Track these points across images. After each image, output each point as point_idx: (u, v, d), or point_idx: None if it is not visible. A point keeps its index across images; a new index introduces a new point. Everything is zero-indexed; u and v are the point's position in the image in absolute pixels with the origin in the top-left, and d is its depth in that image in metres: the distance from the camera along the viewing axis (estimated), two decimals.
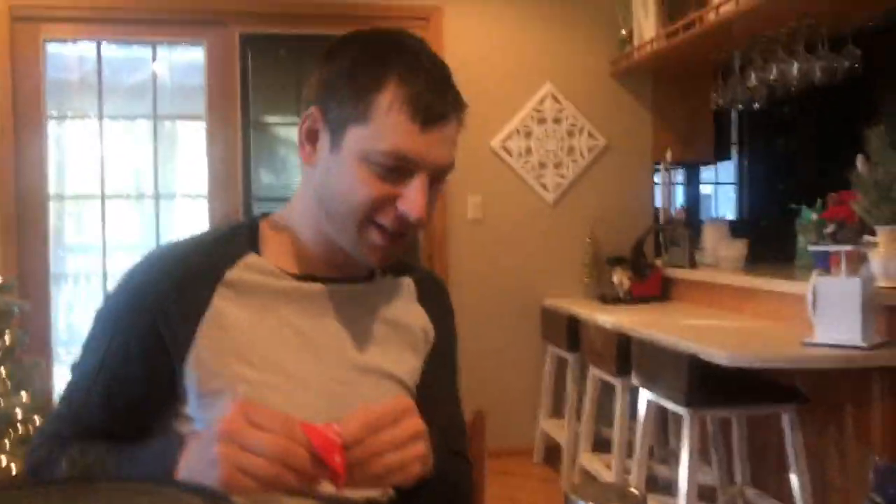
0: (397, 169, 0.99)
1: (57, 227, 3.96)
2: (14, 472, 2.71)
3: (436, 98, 0.99)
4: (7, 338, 2.92)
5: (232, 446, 0.79)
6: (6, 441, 2.78)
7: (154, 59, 4.04)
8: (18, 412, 2.81)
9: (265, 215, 1.14)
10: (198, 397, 1.00)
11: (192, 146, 4.10)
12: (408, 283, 1.18)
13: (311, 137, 1.05)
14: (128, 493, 0.52)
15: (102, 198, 3.96)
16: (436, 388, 1.19)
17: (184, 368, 1.00)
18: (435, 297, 1.21)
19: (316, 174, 1.05)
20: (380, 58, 1.01)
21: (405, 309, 1.16)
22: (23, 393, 2.88)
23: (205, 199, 3.98)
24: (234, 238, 1.08)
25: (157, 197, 4.02)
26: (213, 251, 1.06)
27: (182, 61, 4.17)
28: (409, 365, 1.14)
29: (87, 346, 1.04)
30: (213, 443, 0.79)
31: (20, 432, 2.81)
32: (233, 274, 1.03)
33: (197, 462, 0.82)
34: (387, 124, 0.98)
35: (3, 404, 2.80)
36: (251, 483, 0.78)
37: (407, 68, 0.99)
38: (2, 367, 2.87)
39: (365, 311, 1.11)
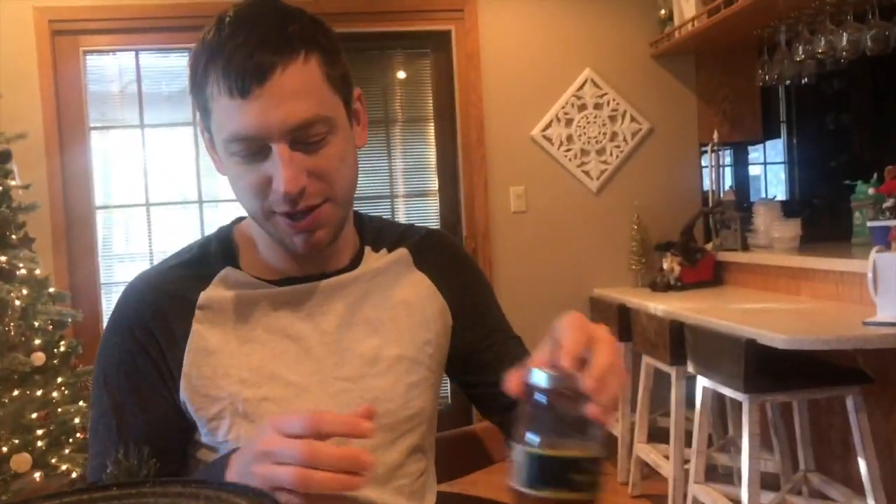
0: (253, 150, 0.92)
1: (105, 237, 4.01)
2: (73, 478, 2.75)
3: (246, 60, 0.89)
4: (63, 347, 2.97)
5: (265, 463, 0.75)
6: (66, 449, 2.83)
7: None
8: (76, 420, 2.86)
9: (239, 220, 1.11)
10: (202, 424, 0.98)
11: None
12: (402, 253, 1.12)
13: (212, 149, 1.01)
14: (174, 497, 0.50)
15: (147, 206, 4.00)
16: (492, 339, 1.15)
17: (180, 399, 0.98)
18: (435, 255, 1.15)
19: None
20: (201, 45, 0.93)
21: (403, 282, 1.10)
22: (80, 402, 2.92)
23: None
24: (206, 255, 1.05)
25: (200, 202, 4.05)
26: (186, 274, 1.03)
27: None
28: (420, 340, 1.09)
29: (94, 388, 1.02)
30: (250, 463, 0.77)
31: (80, 439, 2.85)
32: (208, 294, 1.01)
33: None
34: (219, 111, 0.92)
35: (61, 412, 2.84)
36: (291, 497, 0.74)
37: (216, 43, 0.91)
38: (59, 377, 2.92)
39: (358, 299, 1.06)
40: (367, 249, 1.10)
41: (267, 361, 0.99)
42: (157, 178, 4.04)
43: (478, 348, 1.14)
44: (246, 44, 0.89)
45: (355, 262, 1.08)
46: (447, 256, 1.16)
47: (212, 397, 0.97)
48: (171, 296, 1.01)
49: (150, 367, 0.99)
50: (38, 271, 2.98)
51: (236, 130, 0.91)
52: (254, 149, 0.92)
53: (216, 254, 1.05)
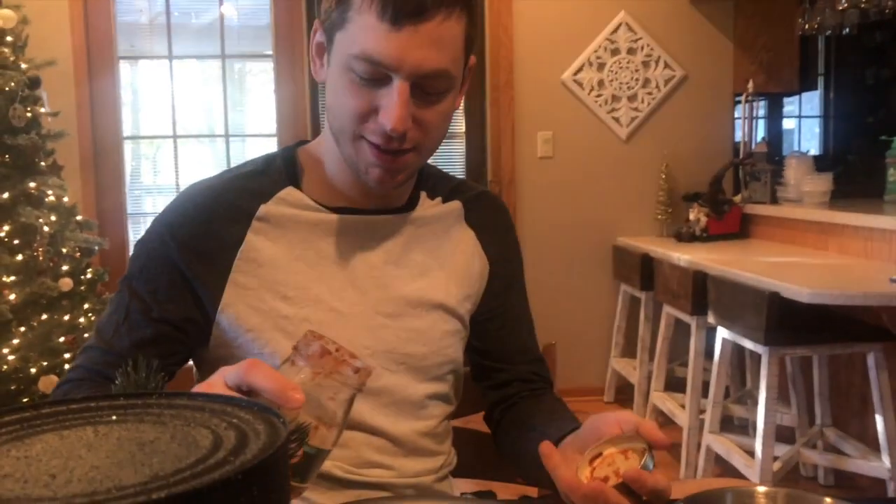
0: (374, 76, 0.91)
1: (133, 168, 4.04)
2: None
3: None
4: (89, 274, 3.02)
5: None
6: None
7: (221, 1, 4.03)
8: None
9: (301, 144, 1.10)
10: (238, 334, 0.99)
11: (261, 86, 4.11)
12: (456, 205, 1.12)
13: (319, 51, 0.99)
14: (180, 408, 0.51)
15: (175, 138, 4.02)
16: (508, 314, 1.17)
17: (219, 306, 0.99)
18: (486, 216, 1.15)
19: (326, 91, 1.00)
20: None
21: (452, 234, 1.11)
22: None
23: (274, 138, 4.00)
24: (269, 171, 1.04)
25: (227, 136, 4.05)
26: (247, 186, 1.03)
27: (249, 2, 4.15)
28: (461, 293, 1.10)
29: (124, 278, 1.03)
30: None
31: None
32: (268, 208, 1.01)
33: None
34: (359, 26, 0.90)
35: (87, 337, 2.90)
36: None
37: None
38: (86, 303, 2.97)
39: (408, 241, 1.07)
40: (423, 195, 1.11)
41: (313, 283, 1.00)
42: (185, 111, 4.05)
43: (494, 315, 1.15)
44: None
45: (411, 204, 1.09)
46: (497, 220, 1.17)
47: (254, 308, 0.98)
48: (229, 204, 1.01)
49: (176, 273, 0.99)
50: (65, 199, 3.02)
51: (370, 53, 0.89)
52: (376, 75, 0.91)
53: (280, 171, 1.04)
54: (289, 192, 1.02)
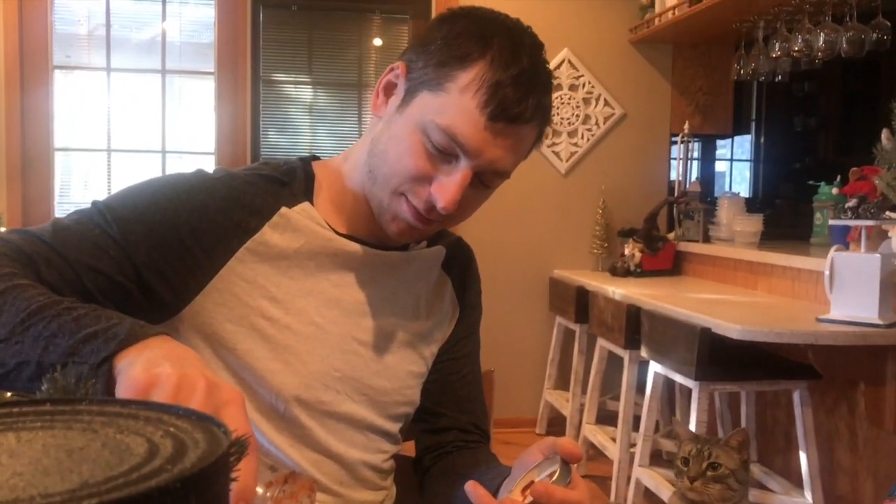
0: (446, 151, 0.94)
1: (63, 181, 3.92)
2: None
3: (516, 97, 0.92)
4: None
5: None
6: None
7: (164, 17, 3.97)
8: None
9: (315, 158, 1.10)
10: (213, 321, 0.96)
11: (200, 103, 4.04)
12: (439, 250, 1.14)
13: (387, 89, 1.02)
14: (111, 416, 0.48)
15: (109, 152, 3.91)
16: (462, 361, 1.19)
17: (205, 287, 0.96)
18: (462, 265, 1.19)
19: (378, 127, 1.01)
20: (483, 38, 0.95)
21: (433, 278, 1.14)
22: None
23: (212, 157, 3.93)
24: (293, 181, 1.04)
25: (164, 153, 3.96)
26: (272, 189, 1.02)
27: (192, 19, 4.09)
28: (430, 337, 1.13)
29: (109, 205, 0.97)
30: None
31: None
32: (289, 213, 1.01)
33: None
34: (455, 103, 0.93)
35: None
36: None
37: (502, 57, 0.93)
38: None
39: (397, 280, 1.09)
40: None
41: (304, 294, 1.01)
42: (121, 125, 3.95)
43: (450, 359, 1.17)
44: (529, 86, 0.93)
45: (406, 245, 1.10)
46: (470, 268, 1.21)
47: (239, 299, 0.97)
48: (254, 195, 1.00)
49: (172, 232, 0.94)
50: None
51: (456, 133, 0.92)
52: (448, 150, 0.94)
53: (300, 185, 1.04)
54: (305, 206, 1.02)
